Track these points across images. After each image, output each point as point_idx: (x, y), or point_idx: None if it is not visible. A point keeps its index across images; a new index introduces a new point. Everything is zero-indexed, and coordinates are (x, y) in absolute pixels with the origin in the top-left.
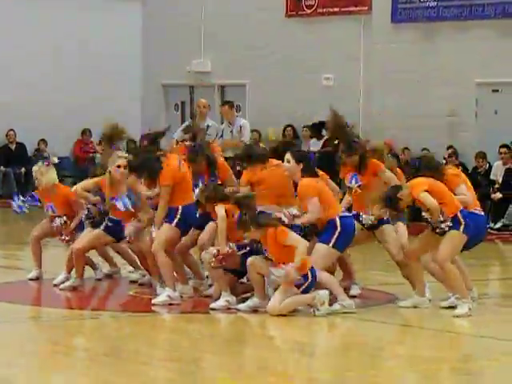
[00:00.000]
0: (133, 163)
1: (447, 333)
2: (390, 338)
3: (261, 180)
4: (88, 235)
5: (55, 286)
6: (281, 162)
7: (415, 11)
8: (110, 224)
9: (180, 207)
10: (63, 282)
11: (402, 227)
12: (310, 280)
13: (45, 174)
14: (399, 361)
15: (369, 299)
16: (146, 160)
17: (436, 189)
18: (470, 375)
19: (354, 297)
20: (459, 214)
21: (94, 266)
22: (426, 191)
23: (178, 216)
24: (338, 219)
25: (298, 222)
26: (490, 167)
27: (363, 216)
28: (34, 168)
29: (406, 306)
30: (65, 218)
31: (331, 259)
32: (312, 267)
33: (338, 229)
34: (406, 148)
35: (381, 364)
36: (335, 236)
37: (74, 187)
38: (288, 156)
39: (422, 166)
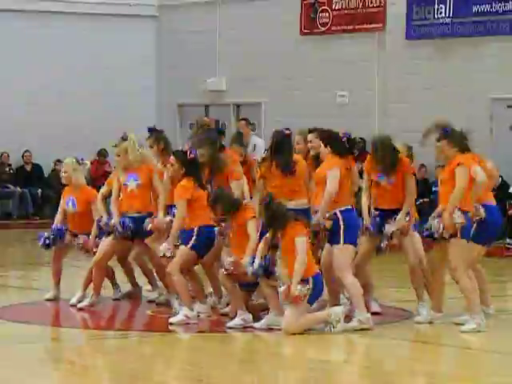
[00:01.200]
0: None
1: (465, 349)
2: (407, 355)
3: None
4: (104, 245)
5: (72, 305)
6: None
7: (429, 28)
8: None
9: (195, 228)
10: (80, 301)
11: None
12: (310, 287)
13: (77, 171)
14: (417, 378)
15: (385, 316)
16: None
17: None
18: None
19: (375, 313)
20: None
21: (114, 285)
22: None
23: (194, 237)
24: (339, 214)
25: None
26: (503, 182)
27: (386, 225)
28: (67, 161)
29: (421, 321)
30: (84, 237)
31: (350, 256)
32: (317, 275)
33: (341, 226)
34: (423, 165)
35: (398, 382)
36: (341, 233)
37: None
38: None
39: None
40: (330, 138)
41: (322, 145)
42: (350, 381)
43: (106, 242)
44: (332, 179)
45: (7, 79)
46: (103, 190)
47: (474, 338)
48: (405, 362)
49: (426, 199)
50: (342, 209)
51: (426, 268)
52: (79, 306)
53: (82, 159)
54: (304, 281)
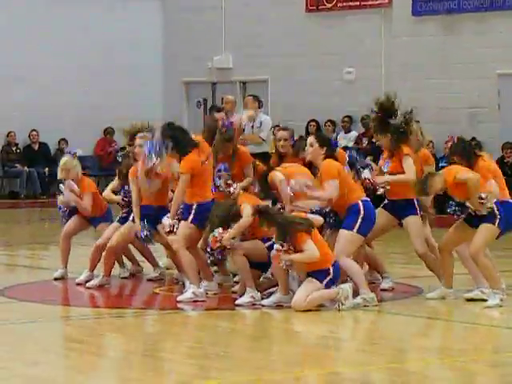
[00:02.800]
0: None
1: (475, 325)
2: (417, 331)
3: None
4: (119, 232)
5: (78, 284)
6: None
7: (436, 4)
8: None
9: (195, 204)
10: (87, 281)
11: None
12: (331, 275)
13: (76, 166)
14: (427, 353)
15: (395, 292)
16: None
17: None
18: (501, 366)
19: (385, 290)
20: (494, 207)
21: (121, 264)
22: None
23: (193, 212)
24: (360, 203)
25: (309, 193)
26: None
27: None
28: (64, 160)
29: (433, 297)
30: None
31: (356, 245)
32: (335, 262)
33: (361, 213)
34: (430, 141)
35: (407, 357)
36: (359, 221)
37: (103, 194)
38: (311, 140)
39: (453, 150)
40: (325, 140)
41: (317, 145)
42: (359, 357)
43: (124, 229)
44: (333, 188)
45: (11, 61)
46: (115, 183)
47: (484, 313)
48: (414, 338)
49: None
50: (363, 199)
51: (433, 245)
52: (88, 285)
53: (75, 152)
54: (325, 270)
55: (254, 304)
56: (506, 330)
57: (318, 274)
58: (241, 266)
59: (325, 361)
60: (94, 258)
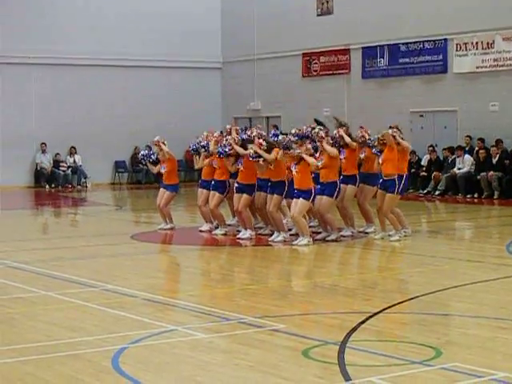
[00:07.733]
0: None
1: (392, 252)
2: (362, 256)
3: None
4: (215, 198)
5: (201, 231)
6: None
7: (375, 71)
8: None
9: (254, 184)
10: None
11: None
12: (313, 194)
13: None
14: (369, 269)
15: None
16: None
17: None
18: (404, 275)
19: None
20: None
21: (211, 221)
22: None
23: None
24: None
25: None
26: (419, 159)
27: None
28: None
29: (376, 238)
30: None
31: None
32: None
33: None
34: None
35: (352, 270)
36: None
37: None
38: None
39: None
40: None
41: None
42: (328, 270)
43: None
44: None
45: (136, 111)
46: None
47: (396, 245)
48: (360, 259)
49: None
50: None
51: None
52: (215, 232)
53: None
54: (310, 191)
55: (285, 241)
56: (411, 255)
57: (305, 193)
58: (277, 219)
59: (311, 263)
60: (206, 214)
